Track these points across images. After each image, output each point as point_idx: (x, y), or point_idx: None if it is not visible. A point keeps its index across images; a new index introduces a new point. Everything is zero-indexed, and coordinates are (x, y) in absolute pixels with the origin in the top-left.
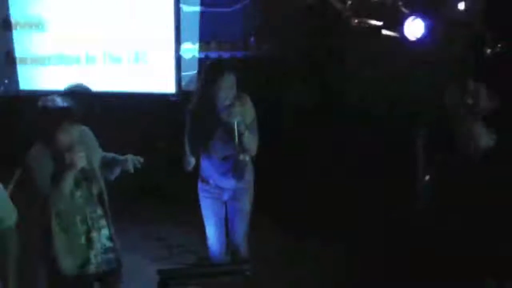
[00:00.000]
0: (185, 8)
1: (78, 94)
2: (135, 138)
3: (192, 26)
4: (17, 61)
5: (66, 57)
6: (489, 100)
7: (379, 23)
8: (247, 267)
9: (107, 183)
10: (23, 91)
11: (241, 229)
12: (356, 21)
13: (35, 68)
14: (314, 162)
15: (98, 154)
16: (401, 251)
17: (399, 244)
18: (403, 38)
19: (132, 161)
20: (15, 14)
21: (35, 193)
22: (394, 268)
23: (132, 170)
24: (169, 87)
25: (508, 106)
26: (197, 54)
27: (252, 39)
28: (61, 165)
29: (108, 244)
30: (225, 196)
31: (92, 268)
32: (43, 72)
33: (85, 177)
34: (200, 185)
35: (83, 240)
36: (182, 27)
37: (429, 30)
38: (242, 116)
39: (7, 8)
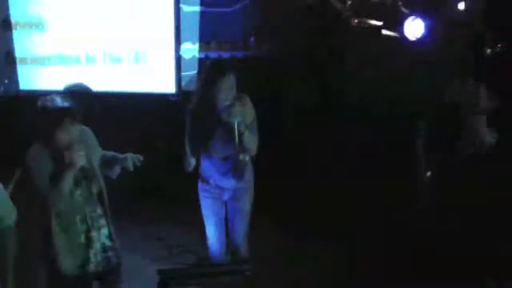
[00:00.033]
0: (185, 8)
1: (77, 93)
2: (135, 138)
3: (192, 26)
4: (17, 61)
5: (66, 57)
6: (489, 100)
7: (379, 23)
8: (247, 267)
9: (107, 183)
10: (23, 91)
11: (241, 229)
12: (356, 21)
13: (35, 68)
14: (314, 162)
15: (98, 152)
16: (401, 251)
17: (399, 244)
18: (403, 38)
19: (131, 159)
20: (15, 14)
21: (34, 193)
22: (394, 268)
23: (132, 168)
24: (169, 87)
25: (508, 106)
26: (197, 54)
27: (252, 39)
28: (60, 165)
29: (108, 243)
30: (225, 196)
31: (91, 267)
32: (43, 72)
33: (84, 176)
34: (200, 185)
35: (82, 239)
36: (182, 27)
37: (429, 30)
38: (242, 116)
39: (7, 8)
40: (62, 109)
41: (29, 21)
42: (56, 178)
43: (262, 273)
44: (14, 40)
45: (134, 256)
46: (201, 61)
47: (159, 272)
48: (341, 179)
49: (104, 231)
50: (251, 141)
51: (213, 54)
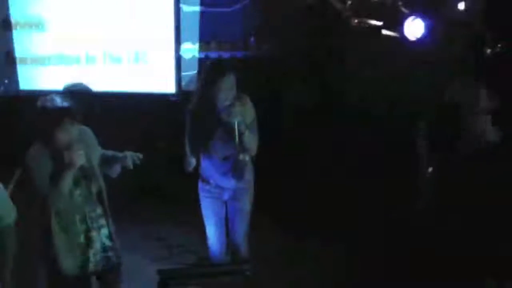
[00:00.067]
0: (185, 8)
1: (77, 93)
2: (135, 138)
3: (192, 26)
4: (17, 61)
5: (66, 57)
6: (489, 100)
7: (379, 23)
8: (247, 267)
9: (107, 183)
10: (23, 91)
11: (241, 229)
12: (356, 21)
13: (35, 68)
14: (314, 162)
15: (98, 152)
16: (401, 251)
17: (399, 244)
18: (403, 38)
19: (131, 157)
20: (15, 14)
21: (34, 193)
22: (394, 268)
23: (131, 167)
24: (169, 87)
25: (508, 106)
26: (197, 54)
27: (252, 39)
28: (60, 165)
29: (108, 243)
30: (226, 196)
31: (91, 267)
32: (43, 72)
33: (84, 175)
34: (200, 185)
35: (82, 239)
36: (182, 27)
37: (429, 30)
38: (242, 116)
39: (7, 8)
40: (62, 109)
41: (29, 21)
42: (55, 177)
43: (262, 273)
44: (14, 40)
45: (134, 256)
46: (201, 61)
47: (159, 272)
48: (341, 179)
49: (104, 231)
50: (251, 141)
51: (213, 54)
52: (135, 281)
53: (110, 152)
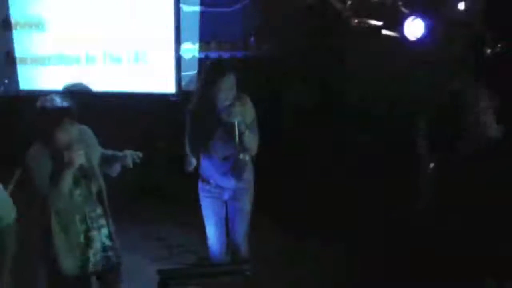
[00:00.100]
0: (185, 8)
1: (76, 93)
2: (135, 138)
3: (192, 26)
4: (17, 61)
5: (66, 57)
6: (489, 100)
7: (379, 23)
8: (247, 267)
9: (107, 182)
10: (23, 91)
11: (241, 229)
12: (356, 21)
13: (35, 68)
14: (314, 162)
15: (97, 152)
16: (401, 251)
17: (399, 244)
18: (403, 38)
19: (131, 156)
20: (15, 14)
21: (34, 193)
22: (394, 268)
23: (131, 166)
24: (169, 87)
25: (508, 106)
26: (197, 54)
27: (252, 39)
28: (59, 164)
29: (108, 243)
30: (226, 196)
31: (91, 267)
32: (43, 72)
33: (84, 175)
34: (200, 185)
35: (82, 239)
36: (182, 27)
37: (429, 30)
38: (242, 116)
39: (7, 8)
40: (61, 109)
41: (29, 21)
42: (55, 177)
43: (262, 273)
44: (14, 40)
45: (134, 256)
46: (201, 61)
47: (159, 272)
48: (341, 179)
49: (104, 230)
50: (251, 141)
51: (213, 54)
52: (135, 281)
53: (110, 152)
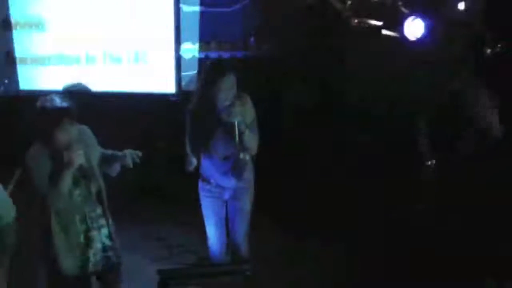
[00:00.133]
0: (185, 8)
1: (76, 93)
2: (135, 138)
3: (192, 26)
4: (17, 61)
5: (66, 57)
6: (489, 100)
7: (379, 23)
8: (247, 267)
9: (107, 182)
10: (23, 91)
11: (241, 228)
12: (356, 21)
13: (35, 68)
14: (314, 162)
15: (97, 152)
16: (401, 251)
17: (399, 244)
18: (403, 38)
19: (130, 155)
20: (15, 14)
21: (34, 192)
22: (394, 268)
23: (131, 165)
24: (169, 87)
25: (508, 106)
26: (197, 54)
27: (252, 39)
28: (59, 165)
29: (108, 242)
30: (226, 195)
31: (91, 267)
32: (43, 72)
33: (83, 175)
34: (200, 184)
35: (82, 239)
36: (182, 27)
37: (429, 30)
38: (242, 116)
39: (7, 8)
40: (61, 109)
41: (29, 21)
42: (55, 177)
43: (262, 273)
44: (14, 40)
45: (134, 256)
46: (201, 61)
47: (159, 272)
48: (341, 179)
49: (104, 230)
50: (252, 140)
51: (213, 54)
52: (135, 281)
53: (109, 151)
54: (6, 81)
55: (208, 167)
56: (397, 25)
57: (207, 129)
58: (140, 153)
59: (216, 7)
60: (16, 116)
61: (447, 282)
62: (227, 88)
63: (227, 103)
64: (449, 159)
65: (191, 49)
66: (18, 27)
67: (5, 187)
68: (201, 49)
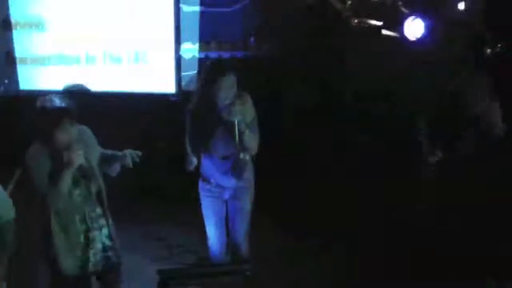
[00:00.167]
0: (185, 8)
1: (76, 93)
2: (135, 138)
3: (192, 26)
4: (17, 61)
5: (66, 57)
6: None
7: (379, 23)
8: (247, 267)
9: (107, 182)
10: (23, 91)
11: (242, 228)
12: (356, 21)
13: (35, 68)
14: (314, 162)
15: (97, 152)
16: (401, 251)
17: (399, 244)
18: (403, 38)
19: (130, 155)
20: (15, 14)
21: (33, 192)
22: (394, 268)
23: (131, 165)
24: (169, 87)
25: (508, 106)
26: (197, 54)
27: (252, 39)
28: (59, 165)
29: (108, 243)
30: (226, 195)
31: (91, 267)
32: (43, 72)
33: (83, 175)
34: (201, 184)
35: (82, 239)
36: (182, 27)
37: (429, 30)
38: (242, 115)
39: (7, 8)
40: (61, 109)
41: (29, 21)
42: (55, 178)
43: (262, 273)
44: (14, 40)
45: (134, 256)
46: (201, 61)
47: (159, 272)
48: (341, 179)
49: (104, 231)
50: (252, 140)
51: (213, 54)
52: (135, 281)
53: (109, 151)
54: (6, 81)
55: (208, 166)
56: (397, 25)
57: (207, 128)
58: (140, 153)
59: (216, 7)
60: (16, 116)
61: (447, 282)
62: (227, 87)
63: (227, 102)
64: (449, 159)
65: (191, 49)
66: (18, 27)
67: (5, 187)
68: (201, 49)
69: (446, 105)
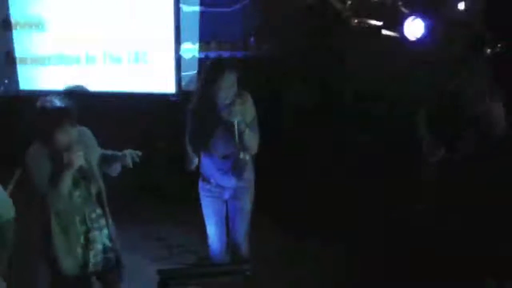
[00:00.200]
0: (185, 8)
1: (76, 93)
2: (135, 138)
3: (192, 26)
4: (17, 61)
5: (66, 57)
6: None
7: (379, 23)
8: (247, 267)
9: (107, 183)
10: (23, 91)
11: (242, 228)
12: (356, 21)
13: (35, 68)
14: (314, 162)
15: (97, 152)
16: (401, 251)
17: (399, 244)
18: (403, 38)
19: (130, 155)
20: (15, 14)
21: (33, 192)
22: (394, 268)
23: (131, 165)
24: (169, 87)
25: (508, 106)
26: (197, 54)
27: (252, 39)
28: (59, 166)
29: (108, 243)
30: (226, 195)
31: (91, 267)
32: (43, 72)
33: (83, 176)
34: (201, 184)
35: (82, 240)
36: (182, 27)
37: (429, 30)
38: (242, 115)
39: (7, 8)
40: (61, 110)
41: (29, 21)
42: (54, 178)
43: (262, 273)
44: (14, 40)
45: (134, 256)
46: (201, 61)
47: (159, 272)
48: (341, 179)
49: (104, 231)
50: (252, 140)
51: (213, 54)
52: (135, 281)
53: (109, 152)
54: (6, 81)
55: (208, 166)
56: (397, 25)
57: (207, 128)
58: (140, 153)
59: (216, 7)
60: (16, 116)
61: (447, 282)
62: (227, 87)
63: (228, 101)
64: (449, 159)
65: (191, 49)
66: (18, 27)
67: (5, 187)
68: (201, 49)
69: (446, 105)
